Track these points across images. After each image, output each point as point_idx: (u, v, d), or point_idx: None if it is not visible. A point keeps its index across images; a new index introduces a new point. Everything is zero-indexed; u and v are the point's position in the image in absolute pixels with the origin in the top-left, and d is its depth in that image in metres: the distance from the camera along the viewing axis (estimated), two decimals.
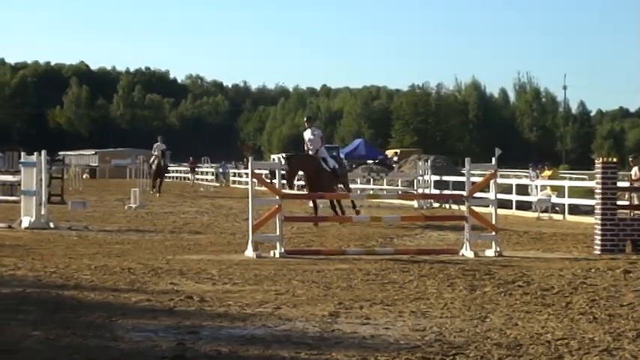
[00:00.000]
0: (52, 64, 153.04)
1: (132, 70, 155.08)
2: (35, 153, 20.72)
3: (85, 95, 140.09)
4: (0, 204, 26.27)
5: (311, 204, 23.55)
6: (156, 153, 40.44)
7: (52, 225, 20.04)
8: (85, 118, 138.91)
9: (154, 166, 40.56)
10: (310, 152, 22.01)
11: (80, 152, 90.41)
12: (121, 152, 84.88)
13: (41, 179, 20.42)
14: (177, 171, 68.69)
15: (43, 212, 20.21)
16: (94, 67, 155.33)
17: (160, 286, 11.16)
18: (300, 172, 22.46)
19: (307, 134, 22.20)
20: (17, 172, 23.55)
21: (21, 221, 20.04)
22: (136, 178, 41.01)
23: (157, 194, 37.45)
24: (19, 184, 21.19)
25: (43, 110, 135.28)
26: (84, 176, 58.62)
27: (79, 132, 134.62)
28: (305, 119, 23.92)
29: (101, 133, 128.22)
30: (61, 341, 7.76)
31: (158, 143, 40.63)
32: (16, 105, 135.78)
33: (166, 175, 46.72)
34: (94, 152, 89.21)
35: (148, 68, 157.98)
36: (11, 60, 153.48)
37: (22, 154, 21.68)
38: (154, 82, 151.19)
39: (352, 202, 23.15)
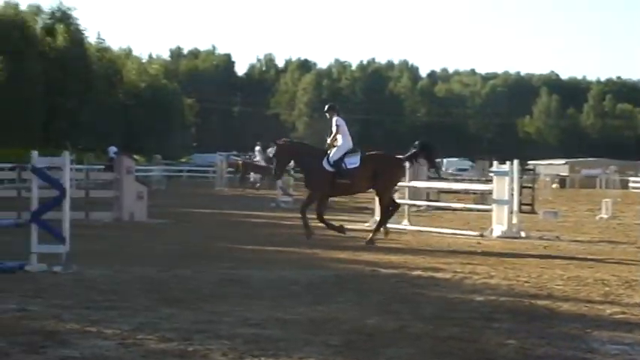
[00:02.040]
0: (522, 74, 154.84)
1: (602, 79, 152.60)
2: (507, 162, 20.93)
3: (554, 105, 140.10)
4: (471, 212, 26.93)
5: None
6: None
7: (523, 234, 20.12)
8: (554, 128, 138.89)
9: None
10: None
11: (550, 162, 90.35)
12: (591, 162, 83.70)
13: (513, 188, 20.59)
14: None
15: (514, 221, 20.36)
16: (564, 76, 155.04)
17: (634, 298, 10.69)
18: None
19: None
20: (488, 181, 23.98)
21: (492, 230, 20.32)
22: (606, 189, 40.11)
23: None
24: (491, 193, 21.51)
25: (513, 120, 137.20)
26: (553, 186, 58.37)
27: (549, 141, 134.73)
28: (325, 109, 19.57)
29: (571, 143, 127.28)
30: (535, 351, 7.68)
31: None
32: (486, 115, 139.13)
33: None
34: (563, 162, 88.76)
35: (619, 77, 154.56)
36: (482, 70, 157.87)
37: (494, 163, 21.97)
38: (625, 91, 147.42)
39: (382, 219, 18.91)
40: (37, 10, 78.88)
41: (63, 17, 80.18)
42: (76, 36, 79.62)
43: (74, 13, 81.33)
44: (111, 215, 23.02)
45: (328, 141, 19.03)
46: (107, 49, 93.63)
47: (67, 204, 12.08)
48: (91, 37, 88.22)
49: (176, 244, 16.75)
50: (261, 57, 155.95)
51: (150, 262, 13.36)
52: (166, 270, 12.43)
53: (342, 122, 18.90)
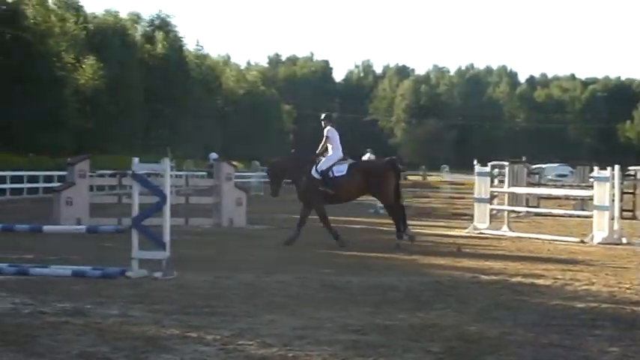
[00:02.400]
0: (622, 78, 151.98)
1: None
2: (608, 168, 20.58)
3: None
4: (571, 219, 26.52)
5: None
6: None
7: (624, 240, 19.74)
8: None
9: None
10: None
11: None
12: None
13: (614, 194, 20.23)
14: None
15: (615, 227, 19.98)
16: None
17: None
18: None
19: None
20: (589, 187, 23.59)
21: (593, 236, 19.98)
22: None
23: None
24: (591, 199, 21.15)
25: (613, 125, 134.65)
26: None
27: None
28: (322, 117, 19.48)
29: None
30: (638, 359, 7.54)
31: None
32: (586, 120, 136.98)
33: None
34: None
35: None
36: (581, 75, 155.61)
37: (595, 168, 21.63)
38: None
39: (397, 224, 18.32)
40: (136, 18, 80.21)
41: (162, 25, 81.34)
42: (175, 43, 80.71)
43: (173, 21, 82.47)
44: (210, 221, 23.30)
45: (317, 151, 18.96)
46: (206, 57, 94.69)
47: (167, 210, 12.24)
48: (190, 45, 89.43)
49: (275, 250, 16.86)
50: (359, 63, 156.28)
51: (249, 268, 13.47)
52: (266, 275, 12.52)
53: (333, 133, 18.76)
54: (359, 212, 29.84)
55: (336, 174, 18.47)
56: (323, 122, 19.20)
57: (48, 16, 59.51)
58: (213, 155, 49.25)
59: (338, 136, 18.89)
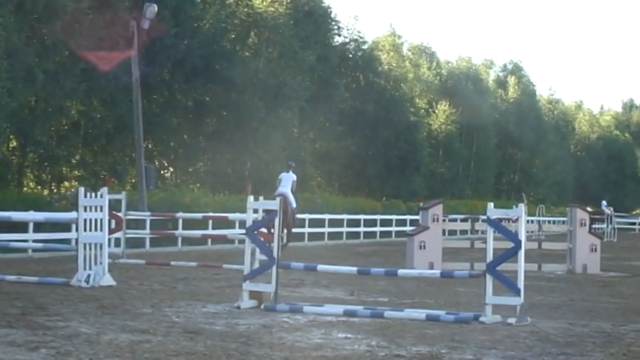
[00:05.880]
0: None
1: None
2: None
3: None
4: None
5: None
6: None
7: None
8: None
9: None
10: None
11: None
12: None
13: None
14: None
15: None
16: None
17: None
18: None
19: None
20: None
21: None
22: None
23: None
24: None
25: None
26: None
27: None
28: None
29: None
30: None
31: None
32: None
33: None
34: None
35: None
36: None
37: None
38: None
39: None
40: (489, 64, 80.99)
41: (514, 70, 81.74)
42: (527, 88, 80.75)
43: (525, 66, 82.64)
44: (563, 267, 22.93)
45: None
46: (558, 102, 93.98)
47: (522, 256, 12.15)
48: (541, 90, 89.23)
49: (631, 299, 16.29)
50: None
51: (604, 316, 13.12)
52: (622, 324, 12.13)
53: (283, 175, 25.21)
54: None
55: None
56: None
57: (402, 62, 61.40)
58: (604, 202, 50.51)
59: (290, 179, 24.93)
